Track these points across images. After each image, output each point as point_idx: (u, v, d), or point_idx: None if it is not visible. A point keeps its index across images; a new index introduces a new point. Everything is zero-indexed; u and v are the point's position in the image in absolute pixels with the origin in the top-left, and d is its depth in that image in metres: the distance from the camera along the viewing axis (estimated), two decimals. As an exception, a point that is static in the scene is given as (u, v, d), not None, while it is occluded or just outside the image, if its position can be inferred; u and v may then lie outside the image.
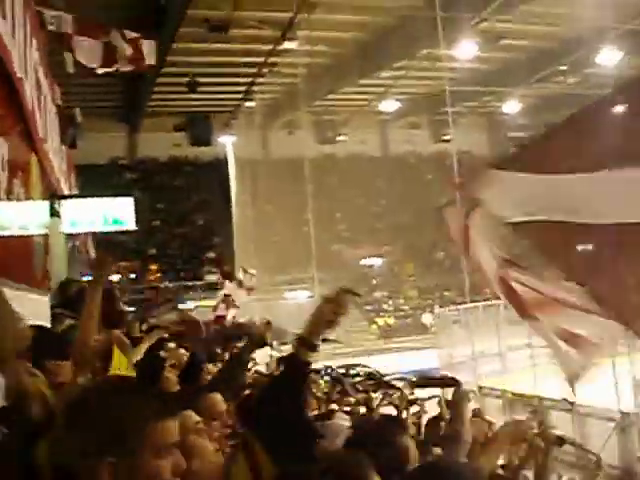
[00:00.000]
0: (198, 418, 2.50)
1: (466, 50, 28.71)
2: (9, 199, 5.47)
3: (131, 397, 1.90)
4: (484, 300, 31.56)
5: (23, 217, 5.64)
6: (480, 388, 19.53)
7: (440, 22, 21.94)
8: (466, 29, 26.69)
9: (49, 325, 6.78)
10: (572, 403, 14.92)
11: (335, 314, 2.62)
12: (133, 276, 36.61)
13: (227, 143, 36.33)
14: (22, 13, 5.38)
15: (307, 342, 2.61)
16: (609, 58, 29.42)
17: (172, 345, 6.93)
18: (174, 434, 1.87)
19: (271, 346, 26.65)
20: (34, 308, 6.29)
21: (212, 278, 34.83)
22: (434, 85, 32.96)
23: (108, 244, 22.18)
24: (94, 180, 26.00)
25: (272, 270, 34.98)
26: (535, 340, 25.24)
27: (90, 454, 1.78)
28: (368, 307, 37.50)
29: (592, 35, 27.00)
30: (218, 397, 3.53)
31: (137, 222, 7.71)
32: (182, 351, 6.55)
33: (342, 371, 19.81)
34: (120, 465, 1.76)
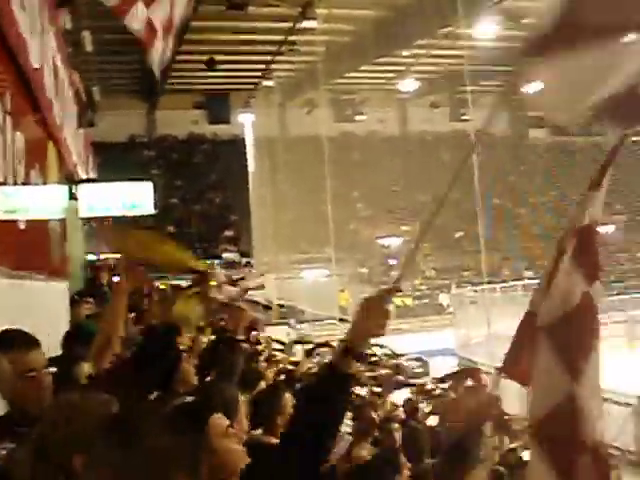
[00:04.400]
0: (227, 422, 2.41)
1: (487, 29, 28.49)
2: (26, 186, 5.47)
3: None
4: (501, 281, 31.56)
5: (40, 202, 5.62)
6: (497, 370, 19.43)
7: (460, 0, 21.74)
8: (487, 8, 26.42)
9: (68, 310, 6.87)
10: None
11: (383, 317, 2.28)
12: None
13: (245, 121, 36.20)
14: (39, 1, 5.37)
15: (353, 350, 2.20)
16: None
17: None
18: None
19: (288, 325, 26.69)
20: (53, 296, 6.36)
21: (229, 256, 34.86)
22: (454, 64, 32.63)
23: (125, 221, 22.18)
24: (112, 158, 26.05)
25: (289, 249, 35.00)
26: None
27: None
28: (384, 286, 37.40)
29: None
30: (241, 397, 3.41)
31: (155, 201, 7.60)
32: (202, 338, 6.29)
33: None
34: None
